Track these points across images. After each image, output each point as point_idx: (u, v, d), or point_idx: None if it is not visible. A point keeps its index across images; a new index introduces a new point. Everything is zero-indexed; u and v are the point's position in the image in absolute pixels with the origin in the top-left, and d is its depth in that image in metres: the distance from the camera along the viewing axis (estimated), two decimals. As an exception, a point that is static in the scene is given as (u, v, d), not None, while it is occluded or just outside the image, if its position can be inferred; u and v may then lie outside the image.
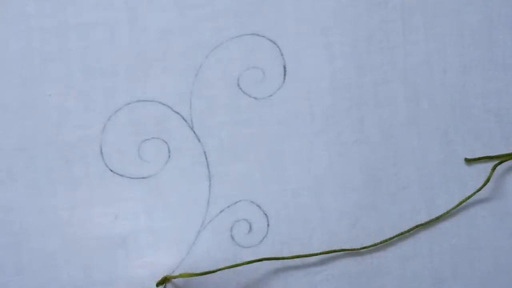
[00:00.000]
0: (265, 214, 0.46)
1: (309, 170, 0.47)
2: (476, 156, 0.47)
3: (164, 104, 0.46)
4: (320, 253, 0.46)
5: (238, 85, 0.47)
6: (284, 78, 0.47)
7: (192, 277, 0.45)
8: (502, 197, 0.47)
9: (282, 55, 0.47)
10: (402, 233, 0.46)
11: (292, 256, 0.45)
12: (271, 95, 0.47)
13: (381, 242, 0.46)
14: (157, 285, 0.45)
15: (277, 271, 0.46)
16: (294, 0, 0.47)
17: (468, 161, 0.47)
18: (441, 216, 0.46)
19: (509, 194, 0.47)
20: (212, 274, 0.45)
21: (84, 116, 0.46)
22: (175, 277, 0.45)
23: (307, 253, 0.46)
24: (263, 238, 0.46)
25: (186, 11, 0.47)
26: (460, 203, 0.46)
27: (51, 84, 0.46)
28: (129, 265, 0.45)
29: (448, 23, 0.48)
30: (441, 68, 0.48)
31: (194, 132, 0.46)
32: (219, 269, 0.44)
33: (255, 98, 0.47)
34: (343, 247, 0.46)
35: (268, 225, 0.46)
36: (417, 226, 0.46)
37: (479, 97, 0.48)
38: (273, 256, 0.46)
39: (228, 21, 0.47)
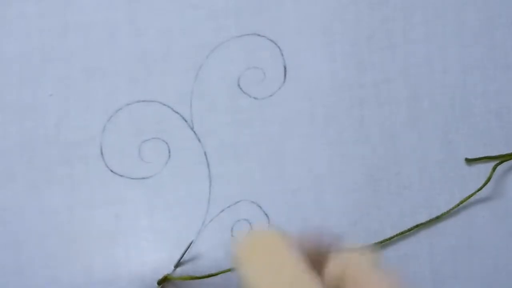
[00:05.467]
0: (266, 214, 0.46)
1: (310, 170, 0.47)
2: (477, 155, 0.47)
3: (164, 104, 0.46)
4: (321, 253, 0.46)
5: (239, 85, 0.47)
6: (285, 78, 0.47)
7: (194, 275, 0.45)
8: (502, 197, 0.47)
9: (282, 55, 0.47)
10: (402, 232, 0.46)
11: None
12: (271, 95, 0.47)
13: (381, 242, 0.46)
14: (159, 283, 0.45)
15: (277, 271, 0.46)
16: (294, 0, 0.47)
17: (469, 161, 0.47)
18: (441, 215, 0.46)
19: (509, 194, 0.47)
20: (214, 271, 0.45)
21: (84, 116, 0.46)
22: (175, 279, 0.45)
23: (308, 253, 0.46)
24: (263, 238, 0.46)
25: (186, 11, 0.47)
26: (461, 202, 0.46)
27: (51, 84, 0.46)
28: (129, 265, 0.45)
29: (448, 23, 0.48)
30: (441, 67, 0.48)
31: (194, 132, 0.46)
32: (220, 272, 0.44)
33: (255, 98, 0.47)
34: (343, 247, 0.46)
35: (268, 224, 0.46)
36: (417, 226, 0.46)
37: (480, 97, 0.48)
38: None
39: (228, 21, 0.47)
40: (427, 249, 0.47)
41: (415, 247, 0.47)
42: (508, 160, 0.47)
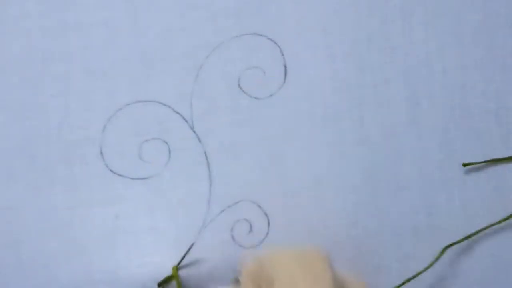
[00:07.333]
0: (266, 214, 0.46)
1: (309, 170, 0.47)
2: (476, 155, 0.47)
3: (164, 105, 0.46)
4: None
5: (239, 85, 0.47)
6: (285, 78, 0.47)
7: (194, 275, 0.45)
8: (502, 197, 0.47)
9: (282, 55, 0.47)
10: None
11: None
12: (271, 95, 0.47)
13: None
14: (159, 285, 0.45)
15: (278, 271, 0.46)
16: (294, 0, 0.47)
17: (465, 165, 0.47)
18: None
19: (510, 195, 0.47)
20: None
21: (84, 116, 0.46)
22: (177, 276, 0.45)
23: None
24: (263, 238, 0.46)
25: (186, 11, 0.47)
26: (417, 274, 0.45)
27: (52, 84, 0.46)
28: (129, 265, 0.45)
29: (448, 23, 0.48)
30: (441, 68, 0.48)
31: (194, 132, 0.46)
32: None
33: (255, 98, 0.47)
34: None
35: (268, 225, 0.46)
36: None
37: (479, 97, 0.48)
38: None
39: (229, 21, 0.47)
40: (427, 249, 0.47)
41: (415, 247, 0.47)
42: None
